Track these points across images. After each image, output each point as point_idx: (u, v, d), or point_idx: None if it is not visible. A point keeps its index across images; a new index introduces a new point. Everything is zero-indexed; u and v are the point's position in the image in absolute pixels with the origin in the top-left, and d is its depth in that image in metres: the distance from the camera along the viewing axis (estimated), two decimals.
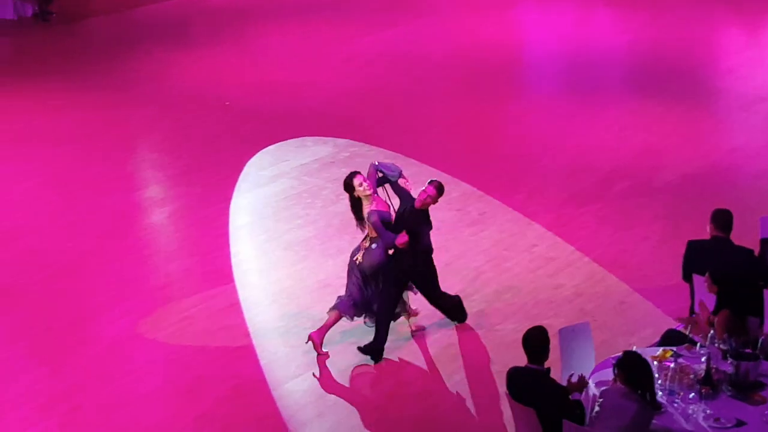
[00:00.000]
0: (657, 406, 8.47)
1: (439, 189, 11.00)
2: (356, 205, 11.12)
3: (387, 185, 11.30)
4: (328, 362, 11.00)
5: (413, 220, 10.98)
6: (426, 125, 17.58)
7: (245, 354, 11.25)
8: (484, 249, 13.40)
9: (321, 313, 11.25)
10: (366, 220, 11.01)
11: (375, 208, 10.98)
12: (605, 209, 14.43)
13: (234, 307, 12.09)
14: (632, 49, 21.49)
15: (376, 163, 11.33)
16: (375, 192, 11.10)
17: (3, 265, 13.01)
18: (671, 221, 13.92)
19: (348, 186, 11.09)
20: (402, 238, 10.81)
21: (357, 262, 11.04)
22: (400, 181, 11.27)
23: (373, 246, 10.99)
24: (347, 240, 12.34)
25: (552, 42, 22.31)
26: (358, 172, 11.10)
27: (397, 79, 19.86)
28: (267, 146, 16.63)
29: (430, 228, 11.15)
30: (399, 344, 11.30)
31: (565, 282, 12.57)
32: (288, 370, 10.95)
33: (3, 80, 19.68)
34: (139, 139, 17.41)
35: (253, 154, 16.34)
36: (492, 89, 19.34)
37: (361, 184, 11.00)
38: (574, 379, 8.88)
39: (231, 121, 17.85)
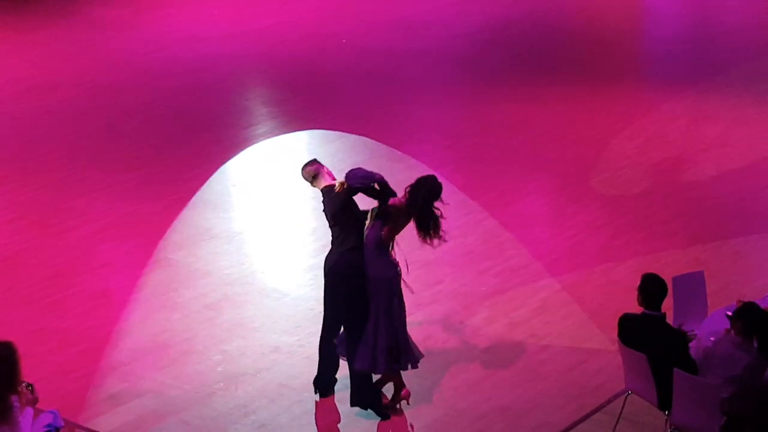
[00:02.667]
0: None
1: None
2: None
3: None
4: None
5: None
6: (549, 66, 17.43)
7: None
8: (598, 195, 13.30)
9: None
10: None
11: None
12: (724, 156, 14.18)
13: None
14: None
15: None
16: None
17: None
18: None
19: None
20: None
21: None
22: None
23: None
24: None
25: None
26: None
27: (520, 18, 19.65)
28: (384, 86, 16.64)
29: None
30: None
31: (680, 230, 12.40)
32: None
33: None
34: (259, 77, 17.54)
35: (373, 94, 16.38)
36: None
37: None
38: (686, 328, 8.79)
39: (348, 60, 17.85)
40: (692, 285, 9.49)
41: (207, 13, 20.25)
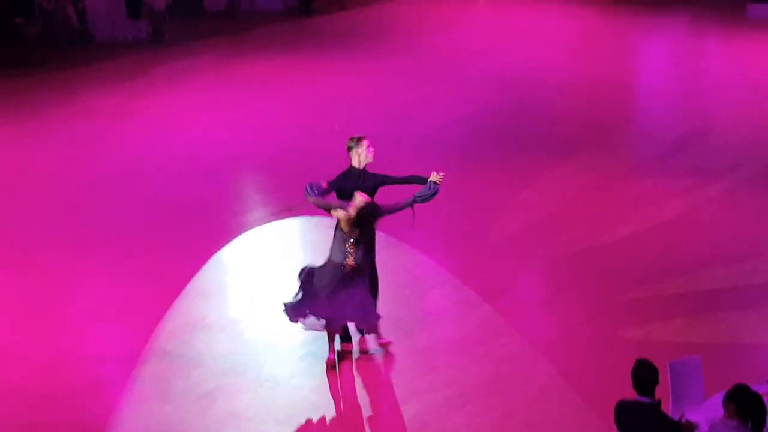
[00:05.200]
0: None
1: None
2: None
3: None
4: None
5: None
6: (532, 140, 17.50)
7: None
8: (592, 279, 13.29)
9: None
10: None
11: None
12: (718, 237, 14.20)
13: None
14: None
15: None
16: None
17: None
18: None
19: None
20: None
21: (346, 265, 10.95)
22: None
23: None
24: None
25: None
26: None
27: (508, 104, 19.79)
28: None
29: None
30: None
31: (676, 313, 12.38)
32: None
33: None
34: (251, 164, 17.55)
35: None
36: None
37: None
38: (684, 421, 8.70)
39: (340, 146, 17.87)
40: (688, 370, 9.45)
41: (198, 100, 20.37)
